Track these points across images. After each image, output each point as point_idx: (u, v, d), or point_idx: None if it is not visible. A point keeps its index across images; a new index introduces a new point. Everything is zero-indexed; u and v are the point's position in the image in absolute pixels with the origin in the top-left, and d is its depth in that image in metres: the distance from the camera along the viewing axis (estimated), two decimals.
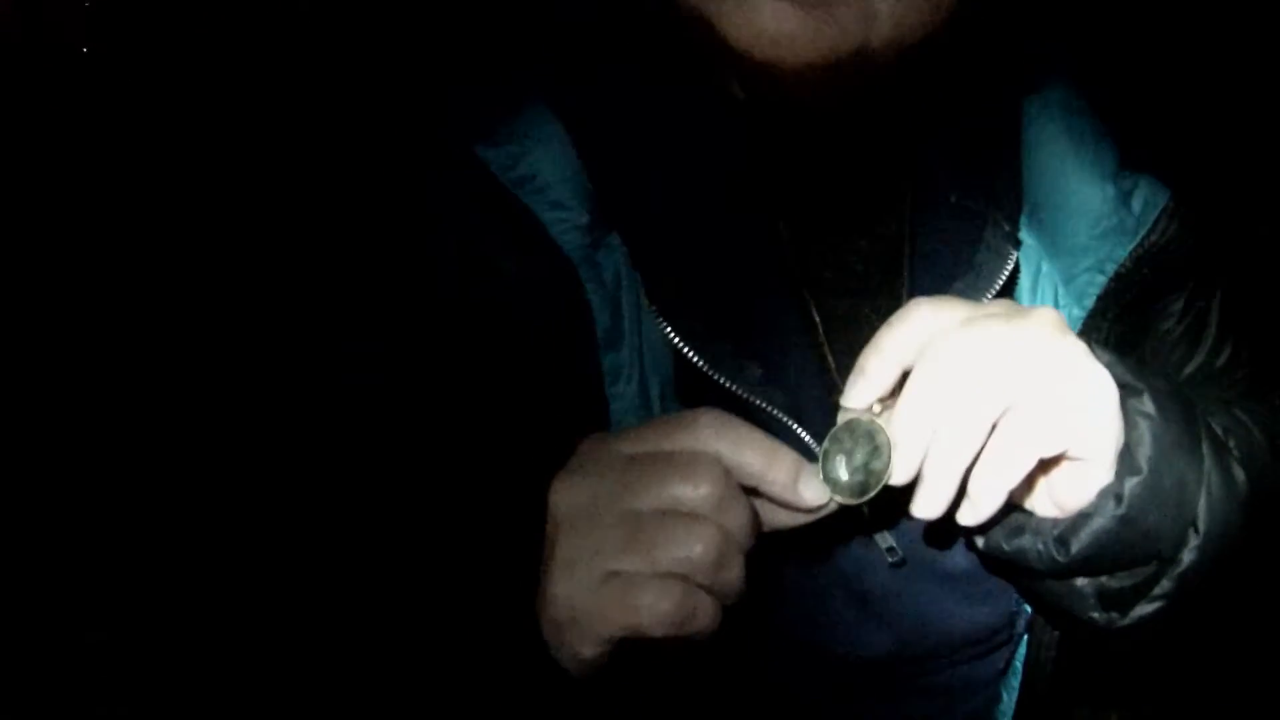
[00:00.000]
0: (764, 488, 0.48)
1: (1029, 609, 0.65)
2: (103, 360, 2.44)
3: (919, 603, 0.63)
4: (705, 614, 0.46)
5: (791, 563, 0.61)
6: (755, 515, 0.48)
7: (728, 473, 0.47)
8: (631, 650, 0.48)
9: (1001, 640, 0.67)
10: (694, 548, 0.45)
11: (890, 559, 0.61)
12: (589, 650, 0.48)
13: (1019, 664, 0.67)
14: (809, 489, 0.48)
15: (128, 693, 1.61)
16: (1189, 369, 0.65)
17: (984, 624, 0.65)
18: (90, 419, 2.24)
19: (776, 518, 0.50)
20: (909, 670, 0.66)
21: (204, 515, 1.75)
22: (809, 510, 0.49)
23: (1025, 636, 0.67)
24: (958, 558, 0.62)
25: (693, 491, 0.46)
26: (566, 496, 0.48)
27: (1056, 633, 0.64)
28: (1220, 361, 0.65)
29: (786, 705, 0.65)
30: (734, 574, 0.47)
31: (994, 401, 0.47)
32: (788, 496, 0.48)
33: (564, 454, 0.50)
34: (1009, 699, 0.69)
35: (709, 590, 0.46)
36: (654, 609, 0.45)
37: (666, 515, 0.46)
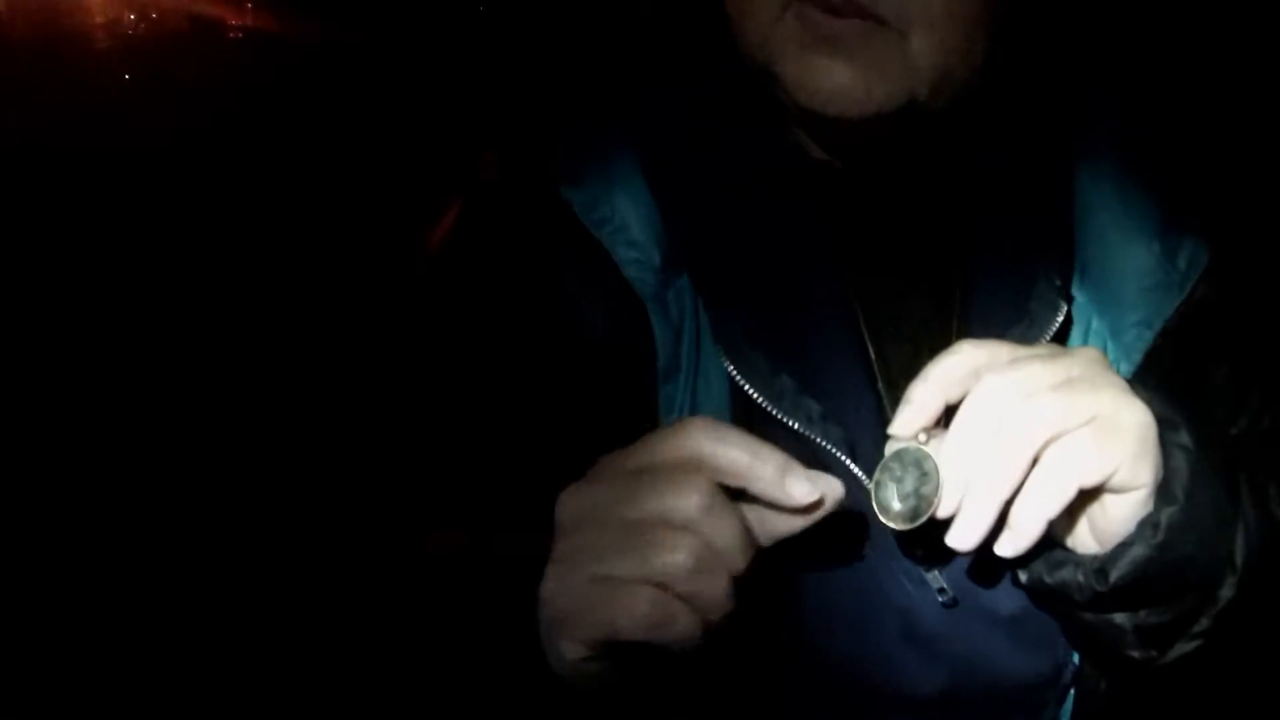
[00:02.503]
0: (751, 485, 0.49)
1: (1076, 659, 0.66)
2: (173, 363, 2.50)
3: (970, 643, 0.64)
4: (682, 623, 0.47)
5: (845, 597, 0.62)
6: (746, 532, 0.49)
7: (716, 488, 0.48)
8: (616, 657, 0.49)
9: (1048, 697, 0.67)
10: (673, 556, 0.46)
11: (941, 599, 0.63)
12: (572, 651, 0.49)
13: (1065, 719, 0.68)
14: (796, 485, 0.49)
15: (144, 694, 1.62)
16: (1235, 429, 0.66)
17: (1032, 672, 0.66)
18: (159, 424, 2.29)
19: (776, 525, 0.51)
20: (954, 718, 0.67)
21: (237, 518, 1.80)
22: (801, 510, 0.49)
23: (1072, 691, 0.67)
24: (1008, 600, 0.63)
25: (680, 502, 0.47)
26: (571, 505, 0.50)
27: (1104, 685, 0.65)
28: (1266, 423, 0.66)
29: None
30: (716, 586, 0.47)
31: (1038, 431, 0.48)
32: (775, 493, 0.49)
33: None
34: None
35: (688, 600, 0.47)
36: (628, 612, 0.46)
37: (655, 524, 0.47)
